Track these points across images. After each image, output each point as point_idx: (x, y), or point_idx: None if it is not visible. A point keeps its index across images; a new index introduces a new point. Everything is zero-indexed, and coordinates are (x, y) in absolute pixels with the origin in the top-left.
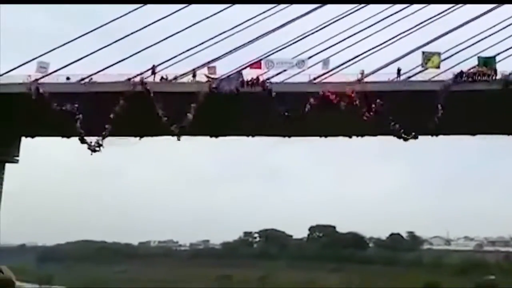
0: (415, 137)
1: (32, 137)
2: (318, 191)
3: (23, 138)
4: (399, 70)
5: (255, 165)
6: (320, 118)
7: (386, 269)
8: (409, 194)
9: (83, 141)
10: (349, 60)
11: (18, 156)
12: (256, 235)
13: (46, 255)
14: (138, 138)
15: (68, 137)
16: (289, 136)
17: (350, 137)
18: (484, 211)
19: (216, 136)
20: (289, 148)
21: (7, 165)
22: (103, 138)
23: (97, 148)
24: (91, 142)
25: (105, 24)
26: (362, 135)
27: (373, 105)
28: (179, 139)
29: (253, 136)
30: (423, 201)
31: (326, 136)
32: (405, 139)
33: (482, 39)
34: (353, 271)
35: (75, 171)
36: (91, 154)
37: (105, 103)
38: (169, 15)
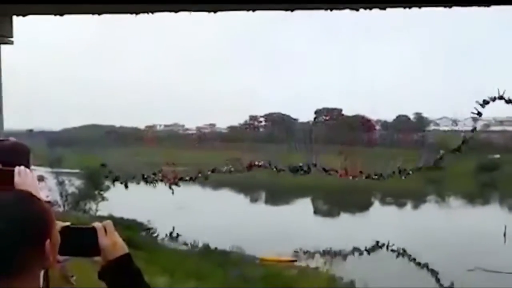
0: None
1: (24, 15)
2: (323, 72)
3: (14, 18)
4: None
5: (258, 45)
6: None
7: (391, 150)
8: (417, 73)
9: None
10: None
11: (11, 37)
12: (261, 118)
13: (54, 139)
14: (134, 15)
15: (62, 15)
16: (292, 10)
17: (357, 10)
18: (493, 89)
19: (215, 12)
20: (292, 25)
21: (2, 47)
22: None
23: None
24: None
25: None
26: (370, 8)
27: None
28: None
29: (253, 10)
30: (432, 80)
31: (331, 9)
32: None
33: None
34: (358, 153)
35: (74, 53)
36: None
37: None
38: None
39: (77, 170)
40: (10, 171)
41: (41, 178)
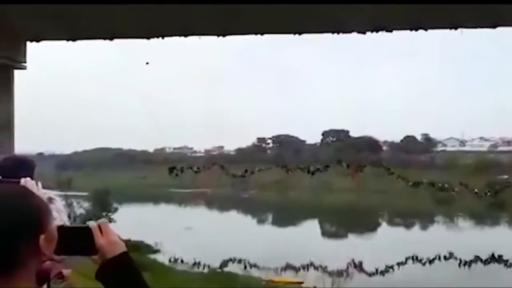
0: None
1: (37, 41)
2: (331, 93)
3: (28, 43)
4: None
5: (266, 67)
6: (331, 12)
7: (399, 171)
8: (424, 94)
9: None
10: None
11: (25, 62)
12: (269, 140)
13: (64, 162)
14: (146, 39)
15: (74, 40)
16: (300, 34)
17: (364, 33)
18: (500, 110)
19: (224, 35)
20: (299, 48)
21: (16, 72)
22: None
23: None
24: None
25: None
26: (377, 31)
27: None
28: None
29: (261, 34)
30: (439, 101)
31: (338, 32)
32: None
33: None
34: (366, 174)
35: (85, 76)
36: None
37: (108, 4)
38: None
39: (85, 193)
40: (15, 182)
41: (49, 200)
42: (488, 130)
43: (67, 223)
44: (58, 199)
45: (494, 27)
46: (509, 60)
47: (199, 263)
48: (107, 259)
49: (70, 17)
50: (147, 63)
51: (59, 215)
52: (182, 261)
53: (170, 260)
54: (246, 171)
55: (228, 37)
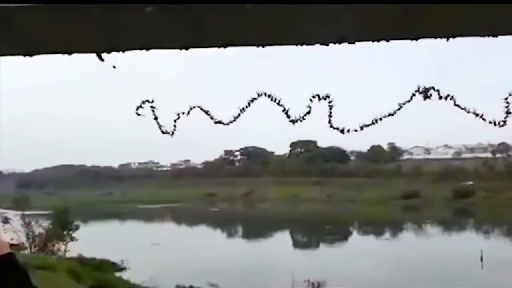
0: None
1: None
2: (296, 105)
3: None
4: None
5: (230, 78)
6: (295, 24)
7: (366, 180)
8: (388, 104)
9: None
10: None
11: None
12: (237, 153)
13: (24, 181)
14: (106, 53)
15: (31, 55)
16: (263, 46)
17: (327, 44)
18: (463, 117)
19: (186, 49)
20: (264, 61)
21: None
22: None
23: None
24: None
25: None
26: (340, 42)
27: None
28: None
29: (225, 47)
30: (403, 110)
31: (302, 44)
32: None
33: None
34: (335, 184)
35: (46, 92)
36: None
37: (66, 17)
38: None
39: (45, 212)
40: None
41: (5, 220)
42: (451, 138)
43: (25, 243)
44: (16, 219)
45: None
46: (471, 68)
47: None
48: None
49: (26, 32)
50: (113, 66)
51: (16, 235)
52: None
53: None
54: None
55: (191, 51)
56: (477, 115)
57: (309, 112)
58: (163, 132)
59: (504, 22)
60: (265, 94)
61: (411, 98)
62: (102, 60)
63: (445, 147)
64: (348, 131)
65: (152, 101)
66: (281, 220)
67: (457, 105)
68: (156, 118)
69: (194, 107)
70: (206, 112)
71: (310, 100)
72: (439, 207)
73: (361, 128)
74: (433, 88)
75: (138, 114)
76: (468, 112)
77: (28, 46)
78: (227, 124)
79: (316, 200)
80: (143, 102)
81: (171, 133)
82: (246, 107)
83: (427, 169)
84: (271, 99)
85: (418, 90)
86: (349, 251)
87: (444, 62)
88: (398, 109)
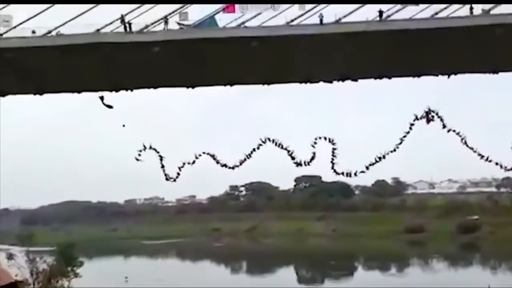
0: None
1: (3, 95)
2: (300, 140)
3: None
4: (381, 13)
5: (235, 115)
6: (299, 62)
7: (371, 214)
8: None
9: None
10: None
11: None
12: (242, 188)
13: (30, 217)
14: (114, 91)
15: (41, 94)
16: (268, 84)
17: (331, 82)
18: (466, 153)
19: (193, 87)
20: (267, 98)
21: None
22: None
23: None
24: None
25: None
26: (343, 80)
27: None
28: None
29: (231, 85)
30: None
31: (306, 82)
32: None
33: None
34: (339, 219)
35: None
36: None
37: (74, 56)
38: None
39: (50, 248)
40: None
41: (10, 257)
42: (456, 172)
43: (29, 279)
44: (20, 255)
45: (497, 72)
46: (473, 103)
47: None
48: None
49: (36, 71)
50: (123, 125)
51: (20, 271)
52: None
53: None
54: None
55: (197, 91)
56: (484, 158)
57: (313, 158)
58: (167, 179)
59: (504, 60)
60: (269, 139)
61: (412, 125)
62: (104, 104)
63: (449, 181)
64: (356, 174)
65: (155, 149)
66: (285, 255)
67: (465, 143)
68: (162, 166)
69: (200, 155)
70: (213, 157)
71: (314, 143)
72: (445, 241)
73: (367, 168)
74: (434, 111)
75: (138, 160)
76: (474, 151)
77: (38, 84)
78: (232, 168)
79: (321, 235)
80: (146, 148)
81: (173, 179)
82: (252, 153)
83: (431, 203)
84: (276, 144)
85: (419, 117)
86: (355, 286)
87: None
88: (400, 143)
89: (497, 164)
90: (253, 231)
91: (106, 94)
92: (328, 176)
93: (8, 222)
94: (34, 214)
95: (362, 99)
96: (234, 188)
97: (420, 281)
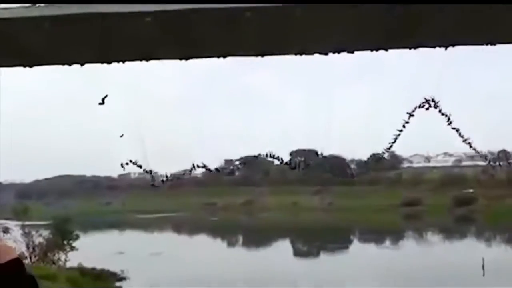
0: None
1: None
2: (296, 114)
3: None
4: None
5: (230, 89)
6: (294, 34)
7: (367, 189)
8: (387, 113)
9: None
10: None
11: None
12: (237, 162)
13: (24, 191)
14: (106, 64)
15: (31, 67)
16: (262, 56)
17: (326, 54)
18: (463, 125)
19: (186, 59)
20: (261, 71)
21: None
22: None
23: None
24: None
25: None
26: (339, 52)
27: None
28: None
29: (224, 57)
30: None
31: (301, 54)
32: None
33: None
34: (335, 192)
35: (46, 103)
36: None
37: (64, 27)
38: None
39: (45, 222)
40: None
41: (5, 230)
42: (451, 146)
43: (25, 253)
44: (16, 229)
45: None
46: (469, 77)
47: None
48: None
49: (25, 44)
50: (104, 98)
51: (16, 245)
52: None
53: None
54: None
55: (190, 63)
56: (466, 140)
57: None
58: (152, 185)
59: (502, 31)
60: (268, 154)
61: (413, 111)
62: (103, 101)
63: (445, 155)
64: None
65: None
66: (281, 229)
67: (454, 128)
68: (150, 172)
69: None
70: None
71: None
72: (440, 214)
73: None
74: (433, 100)
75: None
76: (459, 132)
77: (28, 57)
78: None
79: (316, 209)
80: (132, 162)
81: (159, 184)
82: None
83: (427, 177)
84: (272, 157)
85: (420, 106)
86: (350, 259)
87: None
88: (404, 126)
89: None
90: (248, 205)
91: (97, 66)
92: (323, 150)
93: (2, 196)
94: (28, 188)
95: (358, 72)
96: (228, 162)
97: (415, 253)
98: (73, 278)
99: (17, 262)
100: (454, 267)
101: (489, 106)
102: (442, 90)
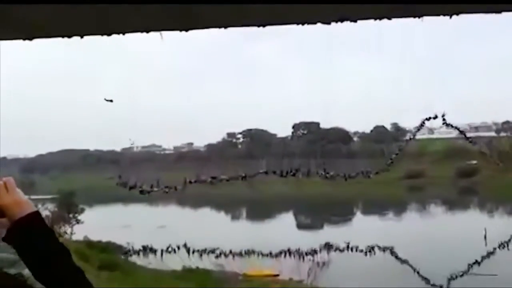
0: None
1: None
2: (298, 86)
3: None
4: None
5: (231, 61)
6: (296, 3)
7: (370, 161)
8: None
9: None
10: None
11: None
12: (239, 135)
13: (28, 166)
14: (106, 35)
15: (31, 39)
16: (264, 26)
17: (329, 23)
18: (467, 96)
19: (186, 30)
20: (263, 42)
21: None
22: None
23: None
24: None
25: None
26: (341, 21)
27: None
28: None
29: (225, 27)
30: (406, 90)
31: (303, 23)
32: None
33: None
34: (338, 165)
35: (48, 77)
36: None
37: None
38: None
39: (50, 196)
40: None
41: None
42: (455, 117)
43: None
44: None
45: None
46: (473, 48)
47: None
48: (15, 220)
49: (25, 16)
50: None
51: None
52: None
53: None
54: None
55: (190, 34)
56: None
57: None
58: (141, 193)
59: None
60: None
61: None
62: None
63: (448, 126)
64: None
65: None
66: (284, 201)
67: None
68: (140, 191)
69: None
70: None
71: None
72: (444, 186)
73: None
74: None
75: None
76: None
77: (28, 30)
78: None
79: (319, 182)
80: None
81: (147, 193)
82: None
83: (431, 148)
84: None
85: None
86: (353, 231)
87: (447, 40)
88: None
89: None
90: (251, 178)
91: (97, 38)
92: (326, 123)
93: (6, 170)
94: (32, 162)
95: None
96: (231, 135)
97: (418, 225)
98: (80, 250)
99: (37, 215)
100: (456, 238)
101: (492, 77)
102: (445, 61)
